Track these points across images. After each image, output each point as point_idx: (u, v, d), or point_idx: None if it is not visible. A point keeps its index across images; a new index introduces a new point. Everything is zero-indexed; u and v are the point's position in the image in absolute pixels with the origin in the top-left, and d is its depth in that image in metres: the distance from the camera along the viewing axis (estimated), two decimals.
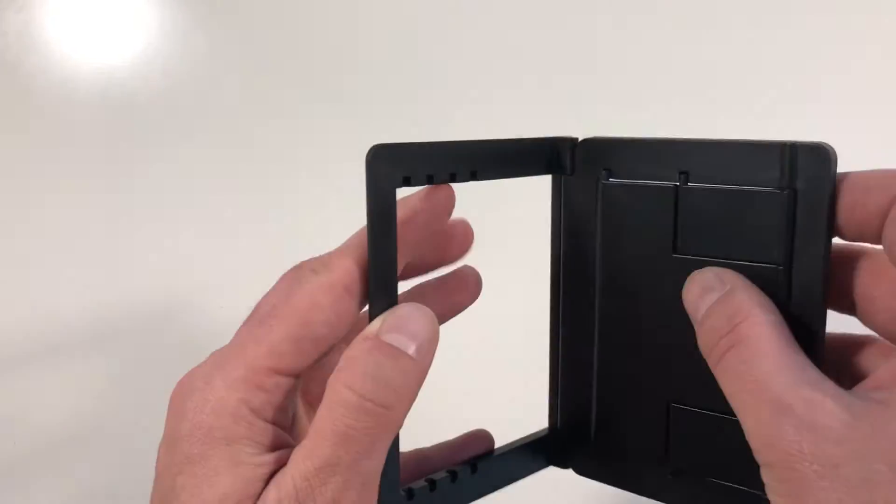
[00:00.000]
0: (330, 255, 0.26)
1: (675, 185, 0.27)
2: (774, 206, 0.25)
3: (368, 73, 0.60)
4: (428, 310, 0.25)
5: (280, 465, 0.23)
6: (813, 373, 0.22)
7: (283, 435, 0.24)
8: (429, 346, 0.24)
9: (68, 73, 0.61)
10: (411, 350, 0.24)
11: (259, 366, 0.24)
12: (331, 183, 0.59)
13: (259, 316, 0.26)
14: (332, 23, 0.60)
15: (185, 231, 0.60)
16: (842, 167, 0.24)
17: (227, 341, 0.27)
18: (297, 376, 0.25)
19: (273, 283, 0.27)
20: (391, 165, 0.26)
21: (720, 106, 0.57)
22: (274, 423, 0.24)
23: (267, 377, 0.24)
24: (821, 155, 0.24)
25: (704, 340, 0.25)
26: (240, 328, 0.26)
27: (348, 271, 0.25)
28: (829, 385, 0.22)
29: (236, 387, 0.24)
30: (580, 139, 0.29)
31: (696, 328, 0.25)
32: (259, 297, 0.27)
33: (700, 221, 0.27)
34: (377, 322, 0.24)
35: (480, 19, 0.59)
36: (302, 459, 0.23)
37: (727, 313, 0.24)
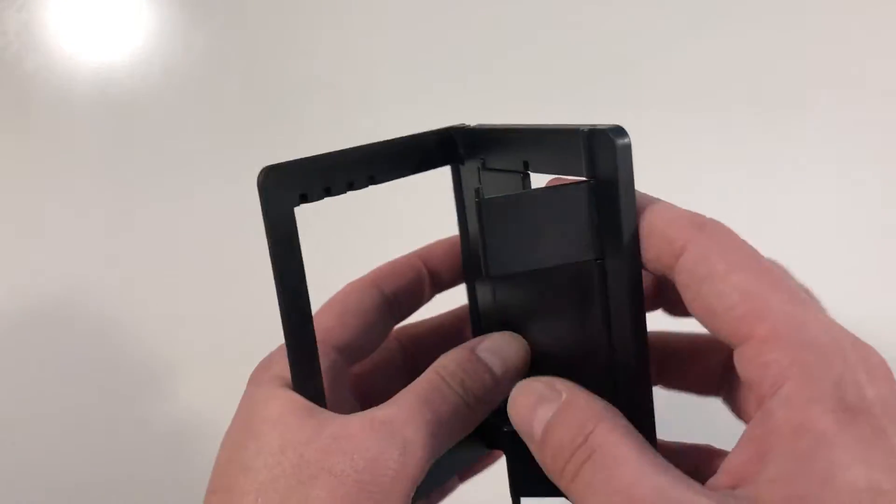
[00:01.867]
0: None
1: (521, 174, 0.26)
2: (581, 198, 0.23)
3: (369, 72, 0.60)
4: (522, 342, 0.28)
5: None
6: (674, 473, 0.21)
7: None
8: (513, 374, 0.27)
9: (68, 72, 0.61)
10: (497, 370, 0.27)
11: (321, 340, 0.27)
12: None
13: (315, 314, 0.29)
14: (333, 22, 0.60)
15: (185, 230, 0.60)
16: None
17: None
18: (347, 356, 0.29)
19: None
20: (285, 186, 0.26)
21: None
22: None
23: (325, 351, 0.27)
24: (608, 141, 0.22)
25: (552, 458, 0.23)
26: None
27: (385, 273, 0.31)
28: (695, 486, 0.20)
29: None
30: (466, 127, 0.29)
31: (533, 446, 0.24)
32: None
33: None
34: (477, 339, 0.28)
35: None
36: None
37: (574, 424, 0.22)
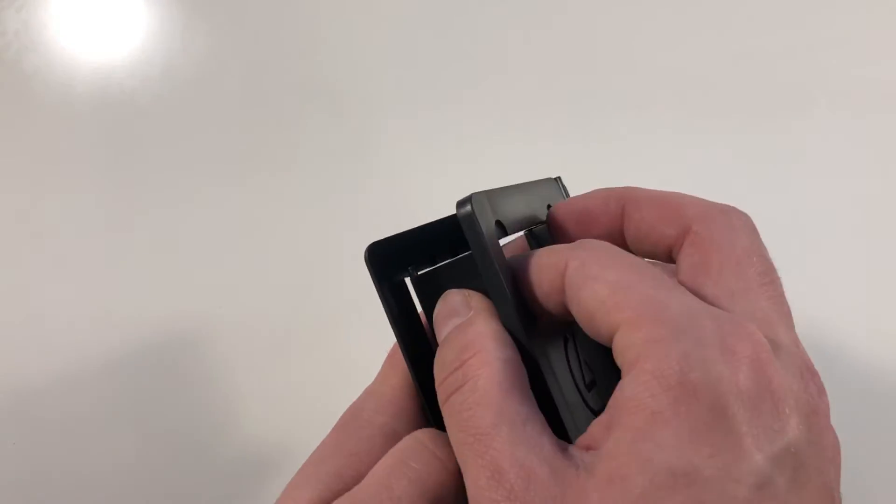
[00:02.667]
0: (379, 377, 0.27)
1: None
2: (472, 265, 0.24)
3: (369, 72, 0.60)
4: None
5: None
6: (533, 428, 0.20)
7: None
8: None
9: (68, 73, 0.61)
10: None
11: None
12: (331, 183, 0.59)
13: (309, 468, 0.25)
14: (333, 22, 0.60)
15: (185, 230, 0.60)
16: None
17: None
18: None
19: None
20: (390, 261, 0.25)
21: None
22: None
23: None
24: (459, 218, 0.23)
25: (436, 372, 0.23)
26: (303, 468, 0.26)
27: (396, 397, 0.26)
28: (547, 446, 0.20)
29: None
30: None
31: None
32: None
33: None
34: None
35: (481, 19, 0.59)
36: None
37: (458, 346, 0.22)
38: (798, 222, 0.57)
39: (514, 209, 0.26)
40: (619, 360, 0.20)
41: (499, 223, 0.25)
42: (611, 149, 0.56)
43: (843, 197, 0.57)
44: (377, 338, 0.30)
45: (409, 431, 0.25)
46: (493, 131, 0.59)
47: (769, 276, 0.23)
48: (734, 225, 0.23)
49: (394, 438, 0.25)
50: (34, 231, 0.61)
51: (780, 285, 0.23)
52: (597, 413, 0.23)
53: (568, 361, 0.25)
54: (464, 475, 0.21)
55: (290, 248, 0.58)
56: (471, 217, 0.23)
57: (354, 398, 0.27)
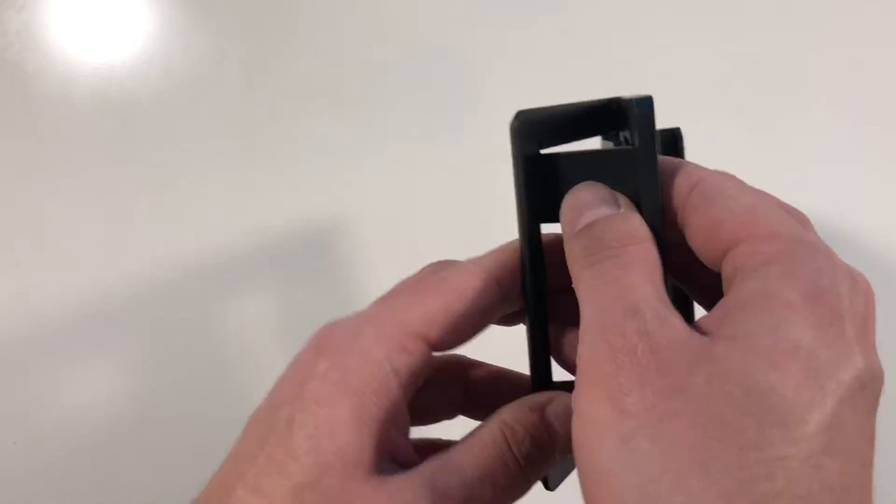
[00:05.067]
0: (475, 257, 0.26)
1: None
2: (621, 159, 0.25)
3: (369, 71, 0.60)
4: None
5: (395, 442, 0.23)
6: (671, 307, 0.21)
7: (403, 414, 0.24)
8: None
9: (68, 73, 0.61)
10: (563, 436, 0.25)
11: (411, 329, 0.24)
12: (332, 183, 0.59)
13: (408, 289, 0.25)
14: (333, 21, 0.60)
15: (186, 231, 0.60)
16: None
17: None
18: (434, 352, 0.25)
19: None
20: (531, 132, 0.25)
21: None
22: (405, 392, 0.24)
23: (415, 342, 0.24)
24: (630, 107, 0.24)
25: (583, 247, 0.23)
26: (379, 300, 0.25)
27: (499, 264, 0.25)
28: (679, 318, 0.21)
29: (385, 342, 0.23)
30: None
31: (568, 235, 0.23)
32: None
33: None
34: (546, 397, 0.26)
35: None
36: None
37: (622, 229, 0.22)
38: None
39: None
40: (735, 262, 0.22)
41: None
42: None
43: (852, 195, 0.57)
44: None
45: (499, 299, 0.25)
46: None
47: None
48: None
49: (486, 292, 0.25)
50: (34, 231, 0.61)
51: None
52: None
53: None
54: (591, 313, 0.21)
55: (291, 249, 0.58)
56: (649, 105, 0.23)
57: None
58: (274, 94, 0.61)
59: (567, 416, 0.23)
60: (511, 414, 0.24)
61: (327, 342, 0.24)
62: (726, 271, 0.22)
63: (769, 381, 0.19)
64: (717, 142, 0.57)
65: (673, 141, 0.30)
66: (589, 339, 0.21)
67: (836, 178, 0.58)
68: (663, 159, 0.24)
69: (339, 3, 0.60)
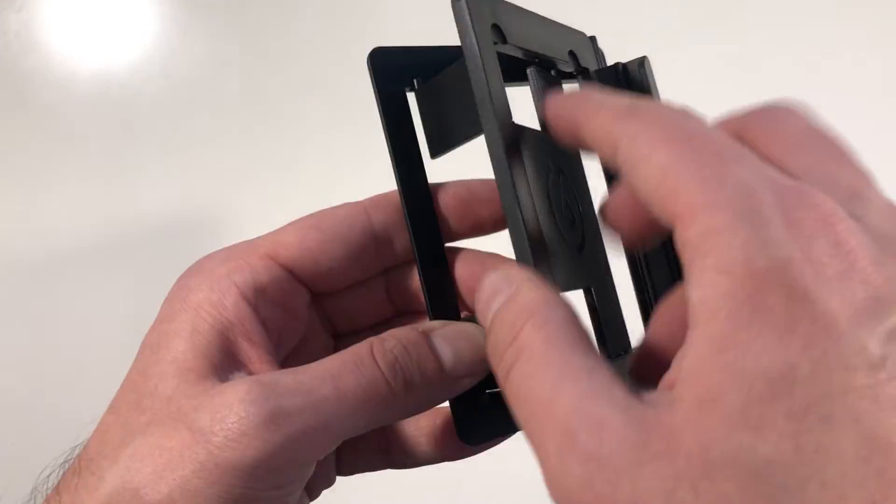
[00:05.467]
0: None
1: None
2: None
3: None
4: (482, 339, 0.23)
5: (232, 353, 0.24)
6: (601, 377, 0.17)
7: (256, 330, 0.24)
8: (465, 372, 0.24)
9: (68, 73, 0.61)
10: (448, 363, 0.24)
11: (260, 250, 0.25)
12: (332, 182, 0.59)
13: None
14: (333, 23, 0.60)
15: (186, 230, 0.60)
16: None
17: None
18: (297, 273, 0.25)
19: None
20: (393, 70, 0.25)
21: None
22: (254, 307, 0.24)
23: (260, 259, 0.25)
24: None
25: (490, 357, 0.20)
26: None
27: (373, 202, 0.26)
28: (619, 392, 0.17)
29: (229, 262, 0.25)
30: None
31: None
32: None
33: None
34: (437, 323, 0.25)
35: None
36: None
37: (509, 319, 0.20)
38: None
39: (527, 31, 0.24)
40: (680, 254, 0.18)
41: (496, 28, 0.23)
42: None
43: None
44: None
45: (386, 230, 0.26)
46: None
47: (840, 149, 0.20)
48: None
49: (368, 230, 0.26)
50: (34, 230, 0.61)
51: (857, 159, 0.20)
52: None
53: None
54: (539, 458, 0.18)
55: None
56: (463, 5, 0.22)
57: None
58: (274, 95, 0.61)
59: (459, 338, 0.23)
60: (388, 332, 0.24)
61: (185, 273, 0.25)
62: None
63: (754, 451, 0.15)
64: None
65: (626, 75, 0.27)
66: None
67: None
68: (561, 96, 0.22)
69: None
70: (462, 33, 0.22)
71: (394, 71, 0.26)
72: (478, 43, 0.22)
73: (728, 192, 0.17)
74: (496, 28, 0.23)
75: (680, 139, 0.18)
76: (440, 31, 0.61)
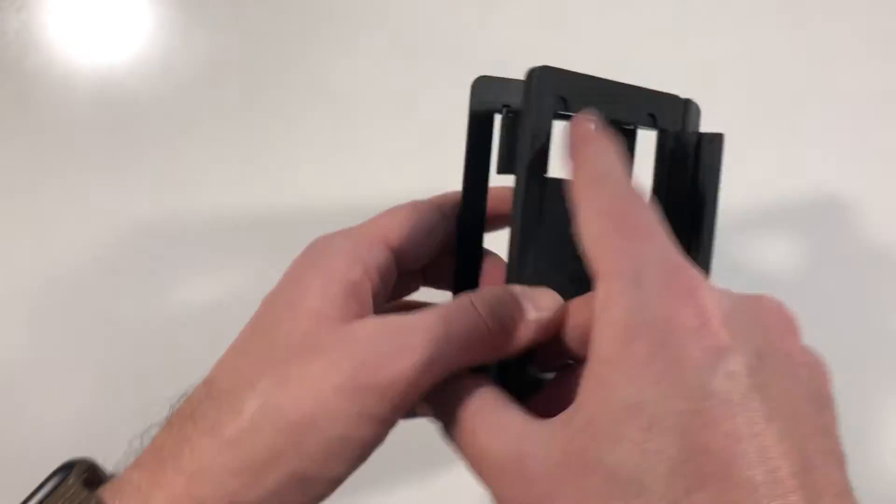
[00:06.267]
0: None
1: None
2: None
3: (370, 74, 0.60)
4: (561, 301, 0.29)
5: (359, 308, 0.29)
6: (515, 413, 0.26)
7: (370, 295, 0.30)
8: (544, 327, 0.29)
9: (68, 72, 0.61)
10: (531, 315, 0.29)
11: (375, 235, 0.31)
12: (332, 182, 0.60)
13: (375, 217, 0.32)
14: (333, 23, 0.60)
15: (186, 230, 0.60)
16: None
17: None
18: (397, 255, 0.32)
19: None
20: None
21: None
22: (370, 278, 0.30)
23: (377, 243, 0.31)
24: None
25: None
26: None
27: (443, 198, 0.33)
28: (529, 422, 0.25)
29: (353, 242, 0.31)
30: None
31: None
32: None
33: None
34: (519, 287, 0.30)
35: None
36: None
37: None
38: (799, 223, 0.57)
39: (599, 98, 0.29)
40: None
41: (561, 98, 0.29)
42: None
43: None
44: None
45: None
46: None
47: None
48: None
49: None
50: (34, 231, 0.61)
51: None
52: None
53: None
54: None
55: (292, 248, 0.58)
56: (532, 77, 0.28)
57: None
58: (275, 95, 0.61)
59: (537, 296, 0.29)
60: (483, 290, 0.30)
61: (312, 246, 0.31)
62: None
63: (613, 460, 0.21)
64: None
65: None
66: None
67: (835, 178, 0.58)
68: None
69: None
70: (524, 101, 0.28)
71: (488, 96, 0.32)
72: (534, 112, 0.28)
73: (627, 264, 0.23)
74: (561, 99, 0.29)
75: (612, 216, 0.25)
76: (441, 31, 0.61)
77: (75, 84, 0.61)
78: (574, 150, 0.28)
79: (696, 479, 0.20)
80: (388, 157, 0.60)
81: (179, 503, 0.26)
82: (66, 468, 0.29)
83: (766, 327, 0.23)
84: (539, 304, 0.29)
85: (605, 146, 0.27)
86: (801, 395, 0.22)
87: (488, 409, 0.26)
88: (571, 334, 0.28)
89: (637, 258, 0.23)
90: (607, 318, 0.23)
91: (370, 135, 0.61)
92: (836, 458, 0.22)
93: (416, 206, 0.33)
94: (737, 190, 0.56)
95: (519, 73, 0.29)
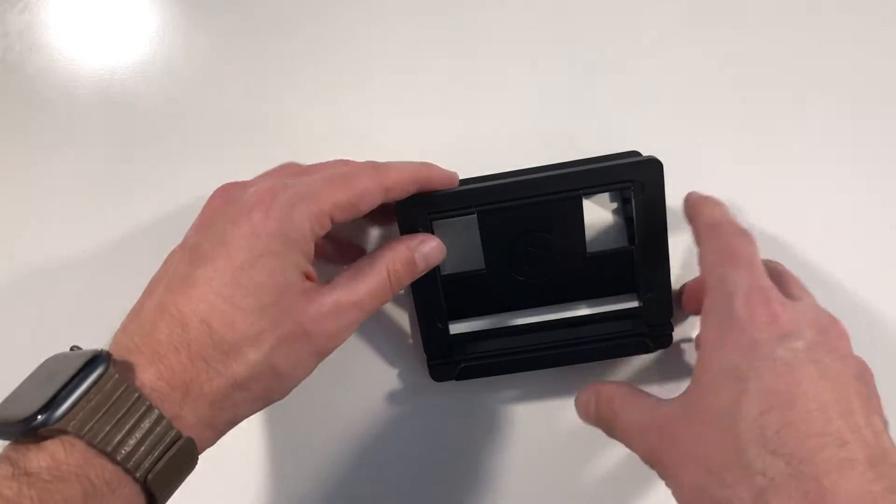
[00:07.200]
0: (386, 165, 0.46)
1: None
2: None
3: (370, 75, 0.60)
4: (443, 248, 0.48)
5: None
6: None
7: (311, 256, 0.42)
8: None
9: (71, 74, 0.61)
10: (421, 270, 0.47)
11: (326, 209, 0.41)
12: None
13: (333, 179, 0.43)
14: (336, 25, 0.60)
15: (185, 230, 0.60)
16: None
17: None
18: (334, 222, 0.43)
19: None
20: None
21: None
22: (316, 244, 0.42)
23: (326, 217, 0.41)
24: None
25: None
26: (306, 175, 0.45)
27: (394, 184, 0.45)
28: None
29: (310, 217, 0.41)
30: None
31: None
32: None
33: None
34: (417, 240, 0.47)
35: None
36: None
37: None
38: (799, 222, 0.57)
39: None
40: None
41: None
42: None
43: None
44: None
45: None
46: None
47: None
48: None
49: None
50: (34, 231, 0.62)
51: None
52: None
53: None
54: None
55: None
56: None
57: None
58: (277, 95, 0.61)
59: (427, 251, 0.46)
60: (394, 256, 0.44)
61: (271, 208, 0.40)
62: None
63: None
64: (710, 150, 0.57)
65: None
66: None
67: (833, 179, 0.57)
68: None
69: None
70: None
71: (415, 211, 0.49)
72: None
73: (726, 285, 0.39)
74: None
75: (720, 252, 0.41)
76: (436, 28, 0.61)
77: (78, 85, 0.61)
78: (692, 209, 0.45)
79: (767, 405, 0.34)
80: (393, 158, 0.59)
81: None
82: (99, 358, 0.36)
83: (824, 331, 0.37)
84: (431, 259, 0.47)
85: (715, 202, 0.45)
86: (849, 373, 0.35)
87: (626, 396, 0.43)
88: (690, 307, 0.52)
89: (733, 283, 0.39)
90: (710, 319, 0.40)
91: (371, 134, 0.61)
92: (877, 411, 0.35)
93: (368, 182, 0.43)
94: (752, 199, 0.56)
95: None
